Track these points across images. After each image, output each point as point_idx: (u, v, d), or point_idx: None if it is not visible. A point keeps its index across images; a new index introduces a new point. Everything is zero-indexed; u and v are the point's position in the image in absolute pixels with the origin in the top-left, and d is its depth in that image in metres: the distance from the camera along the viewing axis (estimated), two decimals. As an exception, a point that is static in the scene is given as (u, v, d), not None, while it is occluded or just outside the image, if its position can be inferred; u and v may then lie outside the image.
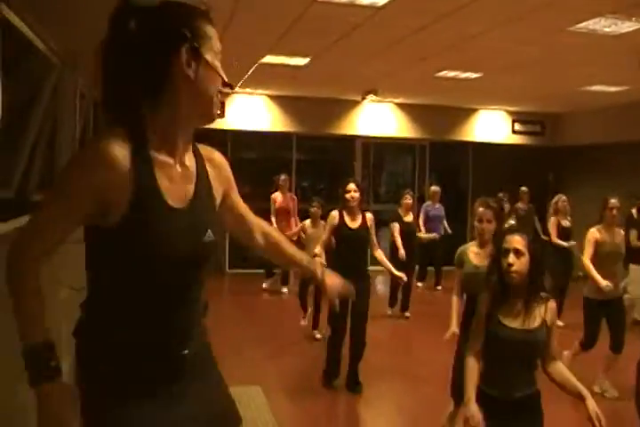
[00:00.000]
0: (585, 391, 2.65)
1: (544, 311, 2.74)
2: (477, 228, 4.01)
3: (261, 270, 9.89)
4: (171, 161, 1.65)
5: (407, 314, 8.29)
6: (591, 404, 2.57)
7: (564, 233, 7.68)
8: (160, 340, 1.64)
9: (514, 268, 2.71)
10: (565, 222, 7.76)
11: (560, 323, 7.30)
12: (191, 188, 1.69)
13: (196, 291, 1.74)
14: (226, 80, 1.71)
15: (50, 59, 4.33)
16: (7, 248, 1.55)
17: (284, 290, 9.64)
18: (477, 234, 4.04)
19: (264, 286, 9.77)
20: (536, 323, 2.72)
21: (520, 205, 10.04)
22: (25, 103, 4.40)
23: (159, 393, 1.65)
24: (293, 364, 6.09)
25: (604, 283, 4.99)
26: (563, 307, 6.88)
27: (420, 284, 10.20)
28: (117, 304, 1.63)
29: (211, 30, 1.69)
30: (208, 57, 1.64)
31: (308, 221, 7.12)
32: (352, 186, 5.33)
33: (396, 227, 8.07)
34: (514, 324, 2.73)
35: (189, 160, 1.72)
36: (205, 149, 1.84)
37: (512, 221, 8.25)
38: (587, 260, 5.24)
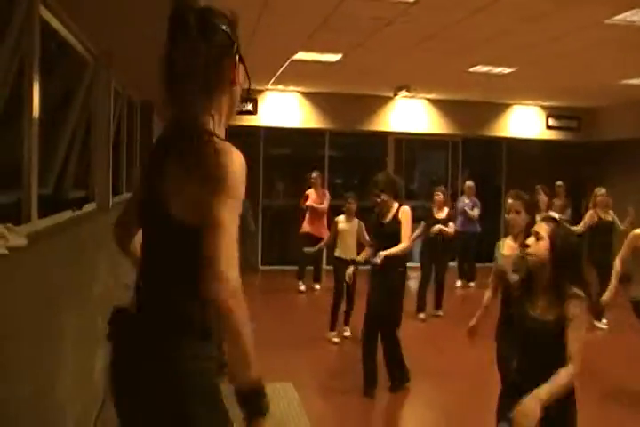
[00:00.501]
0: (538, 393, 2.49)
1: (566, 306, 2.65)
2: (507, 219, 4.05)
3: (295, 267, 9.93)
4: None
5: (440, 313, 8.22)
6: (523, 405, 2.45)
7: (603, 227, 7.57)
8: None
9: (529, 249, 2.78)
10: (606, 216, 7.65)
11: (602, 326, 7.23)
12: None
13: None
14: (250, 84, 1.87)
15: (85, 58, 4.39)
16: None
17: (317, 286, 9.68)
18: (509, 226, 4.05)
19: (301, 288, 9.59)
20: (554, 316, 2.67)
21: (556, 200, 9.90)
22: (61, 102, 4.48)
23: None
24: (325, 361, 6.11)
25: (606, 297, 4.93)
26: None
27: (459, 282, 10.16)
28: None
29: (240, 37, 1.84)
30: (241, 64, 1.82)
31: (341, 217, 7.09)
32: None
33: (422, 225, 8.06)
34: (534, 311, 2.74)
35: None
36: None
37: (553, 213, 8.07)
38: (618, 260, 5.13)
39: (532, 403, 2.44)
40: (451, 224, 8.10)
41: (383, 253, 5.02)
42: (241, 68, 1.83)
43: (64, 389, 3.09)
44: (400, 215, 5.26)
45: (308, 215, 9.30)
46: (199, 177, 1.62)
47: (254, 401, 1.60)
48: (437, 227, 7.88)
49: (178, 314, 1.70)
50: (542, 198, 8.22)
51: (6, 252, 2.15)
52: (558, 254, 2.71)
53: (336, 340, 6.75)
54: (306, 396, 4.90)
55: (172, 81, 1.75)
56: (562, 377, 2.53)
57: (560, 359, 2.60)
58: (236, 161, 1.65)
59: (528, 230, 3.57)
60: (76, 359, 3.37)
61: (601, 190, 7.70)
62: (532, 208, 4.11)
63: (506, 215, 4.05)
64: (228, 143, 1.68)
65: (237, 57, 1.81)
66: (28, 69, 2.90)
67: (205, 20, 1.74)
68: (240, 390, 1.59)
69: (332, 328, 6.82)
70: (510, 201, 4.00)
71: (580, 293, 2.68)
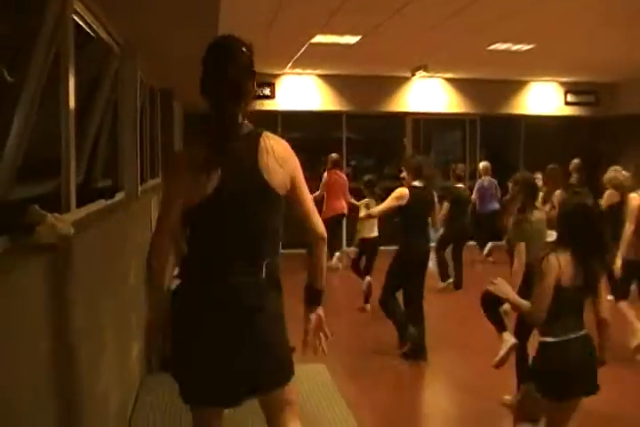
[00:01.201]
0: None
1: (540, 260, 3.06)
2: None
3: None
4: None
5: (460, 291, 8.34)
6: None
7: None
8: None
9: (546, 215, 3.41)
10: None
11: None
12: None
13: None
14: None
15: (112, 47, 4.41)
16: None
17: (339, 265, 9.69)
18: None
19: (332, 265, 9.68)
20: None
21: (572, 178, 9.85)
22: (89, 90, 4.51)
23: None
24: (353, 342, 6.17)
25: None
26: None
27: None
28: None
29: None
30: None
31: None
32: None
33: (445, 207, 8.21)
34: None
35: None
36: None
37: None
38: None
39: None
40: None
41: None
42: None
43: (107, 378, 3.17)
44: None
45: (326, 195, 9.40)
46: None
47: (319, 297, 2.54)
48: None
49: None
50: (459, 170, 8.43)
51: (56, 241, 2.21)
52: (563, 220, 3.10)
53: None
54: (337, 378, 4.93)
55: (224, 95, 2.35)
56: (524, 302, 3.06)
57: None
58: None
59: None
60: (115, 349, 3.45)
61: (616, 169, 7.57)
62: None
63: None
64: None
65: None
66: (63, 61, 2.94)
67: (242, 48, 2.38)
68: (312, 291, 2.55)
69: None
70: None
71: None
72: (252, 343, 2.30)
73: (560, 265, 2.92)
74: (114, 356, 3.41)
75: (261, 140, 2.37)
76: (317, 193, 9.16)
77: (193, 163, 2.29)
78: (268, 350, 2.34)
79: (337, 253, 9.73)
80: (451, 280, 8.41)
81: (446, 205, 8.23)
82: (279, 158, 2.38)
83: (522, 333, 4.34)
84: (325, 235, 2.51)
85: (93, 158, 4.55)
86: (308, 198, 2.50)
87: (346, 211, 9.43)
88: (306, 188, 2.49)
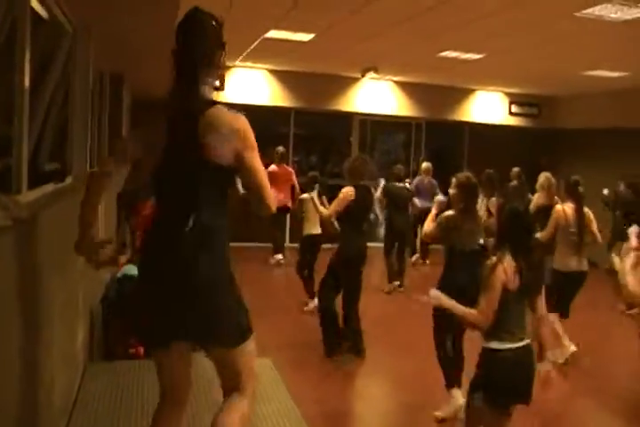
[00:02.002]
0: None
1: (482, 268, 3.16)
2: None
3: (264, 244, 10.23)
4: None
5: (401, 289, 8.60)
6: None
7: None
8: None
9: (485, 223, 3.47)
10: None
11: None
12: None
13: None
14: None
15: (63, 26, 4.31)
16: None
17: (279, 257, 9.87)
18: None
19: (275, 259, 9.95)
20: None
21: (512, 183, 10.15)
22: (38, 70, 4.41)
23: None
24: (294, 335, 6.23)
25: None
26: None
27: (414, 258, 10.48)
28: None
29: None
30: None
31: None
32: None
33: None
34: None
35: None
36: None
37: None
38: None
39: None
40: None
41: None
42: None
43: (54, 362, 3.13)
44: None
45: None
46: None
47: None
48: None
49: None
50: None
51: (10, 223, 2.17)
52: (504, 228, 3.20)
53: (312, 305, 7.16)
54: (282, 372, 4.97)
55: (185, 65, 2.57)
56: (469, 311, 3.12)
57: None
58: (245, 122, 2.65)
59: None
60: (62, 332, 3.40)
61: (545, 175, 7.84)
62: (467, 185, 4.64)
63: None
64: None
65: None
66: (19, 38, 2.88)
67: (209, 20, 2.57)
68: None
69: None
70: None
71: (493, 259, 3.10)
72: (177, 305, 2.47)
73: (506, 271, 3.02)
74: (61, 339, 3.37)
75: (211, 113, 2.50)
76: None
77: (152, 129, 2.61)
78: (193, 316, 2.46)
79: (278, 256, 9.90)
80: (397, 283, 8.61)
81: (384, 202, 8.45)
82: (226, 132, 2.48)
83: (443, 332, 4.56)
84: (274, 209, 2.60)
85: (40, 141, 4.45)
86: (259, 171, 2.55)
87: (290, 204, 9.51)
88: (257, 161, 2.54)
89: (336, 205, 5.60)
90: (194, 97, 2.52)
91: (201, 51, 2.52)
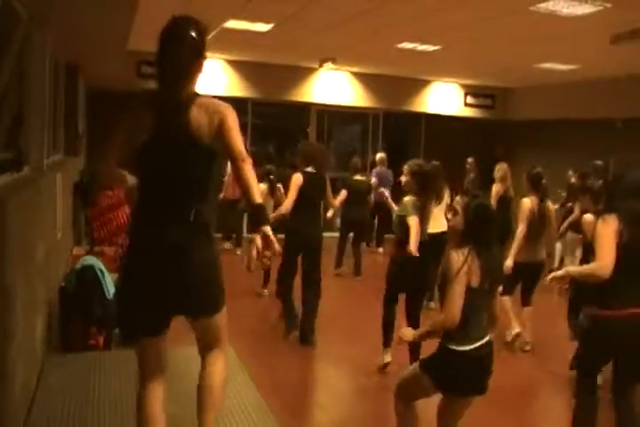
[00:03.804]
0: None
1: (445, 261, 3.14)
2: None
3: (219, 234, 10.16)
4: None
5: (358, 278, 8.82)
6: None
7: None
8: None
9: (449, 222, 3.31)
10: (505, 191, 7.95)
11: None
12: None
13: None
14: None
15: (19, 12, 4.24)
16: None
17: (238, 252, 9.90)
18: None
19: (224, 246, 10.09)
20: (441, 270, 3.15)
21: (467, 176, 10.35)
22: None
23: None
24: (249, 322, 6.30)
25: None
26: None
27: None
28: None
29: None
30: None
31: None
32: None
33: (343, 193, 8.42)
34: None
35: None
36: None
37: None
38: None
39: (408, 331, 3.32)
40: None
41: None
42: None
43: (12, 357, 3.11)
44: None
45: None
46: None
47: (261, 214, 2.61)
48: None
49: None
50: None
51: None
52: (469, 225, 3.13)
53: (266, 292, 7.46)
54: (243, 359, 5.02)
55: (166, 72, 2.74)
56: (433, 323, 3.12)
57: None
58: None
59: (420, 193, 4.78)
60: (20, 324, 3.37)
61: (502, 166, 8.00)
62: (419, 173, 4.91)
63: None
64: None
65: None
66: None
67: (191, 28, 2.71)
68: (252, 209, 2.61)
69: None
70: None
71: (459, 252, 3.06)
72: (175, 284, 2.66)
73: (471, 268, 3.01)
74: (20, 334, 3.34)
75: (197, 100, 2.70)
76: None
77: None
78: (189, 292, 2.70)
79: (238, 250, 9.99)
80: (342, 268, 8.91)
81: (344, 192, 8.43)
82: (209, 111, 2.68)
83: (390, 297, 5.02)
84: (249, 159, 2.68)
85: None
86: (238, 143, 2.68)
87: None
88: (237, 134, 2.68)
89: (290, 196, 5.63)
90: (180, 94, 2.70)
91: (179, 62, 2.68)
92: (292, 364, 5.44)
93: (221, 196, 9.73)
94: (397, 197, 5.20)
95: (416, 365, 3.26)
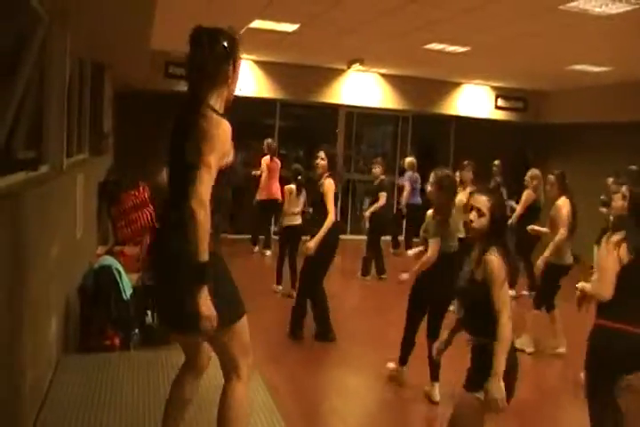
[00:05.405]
0: (494, 372, 2.81)
1: (477, 265, 2.98)
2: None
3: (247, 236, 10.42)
4: None
5: (384, 276, 8.75)
6: (491, 389, 2.79)
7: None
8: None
9: (472, 224, 3.03)
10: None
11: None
12: None
13: None
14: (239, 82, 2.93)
15: (38, 12, 4.24)
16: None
17: (268, 253, 9.96)
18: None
19: (255, 249, 10.19)
20: (479, 276, 2.94)
21: (493, 180, 10.16)
22: (11, 58, 4.33)
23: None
24: (273, 326, 6.22)
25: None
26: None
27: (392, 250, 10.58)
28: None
29: (241, 51, 2.83)
30: (237, 67, 2.82)
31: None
32: (321, 153, 5.89)
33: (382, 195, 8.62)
34: (466, 272, 3.05)
35: None
36: None
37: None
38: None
39: (495, 384, 2.78)
40: (382, 193, 8.67)
41: (311, 243, 5.61)
42: (239, 66, 2.81)
43: (25, 353, 3.09)
44: (322, 188, 5.71)
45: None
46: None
47: (198, 270, 2.48)
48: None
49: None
50: (467, 174, 8.41)
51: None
52: (495, 226, 3.02)
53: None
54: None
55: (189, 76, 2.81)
56: (501, 338, 2.82)
57: (481, 315, 2.93)
58: (220, 127, 2.66)
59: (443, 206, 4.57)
60: (35, 323, 3.35)
61: (534, 172, 7.88)
62: (447, 186, 4.66)
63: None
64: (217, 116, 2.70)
65: (234, 64, 2.78)
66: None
67: (212, 37, 2.71)
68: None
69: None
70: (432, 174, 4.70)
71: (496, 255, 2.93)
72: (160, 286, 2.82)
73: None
74: (34, 330, 3.32)
75: (197, 120, 2.65)
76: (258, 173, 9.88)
77: None
78: (164, 296, 2.79)
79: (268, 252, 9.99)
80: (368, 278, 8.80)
81: (384, 194, 8.50)
82: (198, 131, 2.62)
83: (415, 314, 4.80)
84: (194, 206, 2.50)
85: (15, 129, 4.38)
86: (205, 168, 2.56)
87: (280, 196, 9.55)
88: (207, 159, 2.56)
89: (332, 203, 5.69)
90: (192, 106, 2.71)
91: (201, 68, 2.72)
92: (310, 369, 5.32)
93: (257, 198, 9.83)
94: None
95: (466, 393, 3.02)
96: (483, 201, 3.00)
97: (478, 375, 2.89)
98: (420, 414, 4.61)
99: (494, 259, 2.89)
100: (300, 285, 6.03)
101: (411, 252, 5.09)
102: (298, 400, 4.56)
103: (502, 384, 2.79)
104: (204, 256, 2.46)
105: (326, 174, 5.79)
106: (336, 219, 5.84)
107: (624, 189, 3.80)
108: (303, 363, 5.39)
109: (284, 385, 4.79)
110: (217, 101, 2.78)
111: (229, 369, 2.84)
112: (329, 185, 5.70)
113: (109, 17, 4.82)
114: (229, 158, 2.70)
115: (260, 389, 4.38)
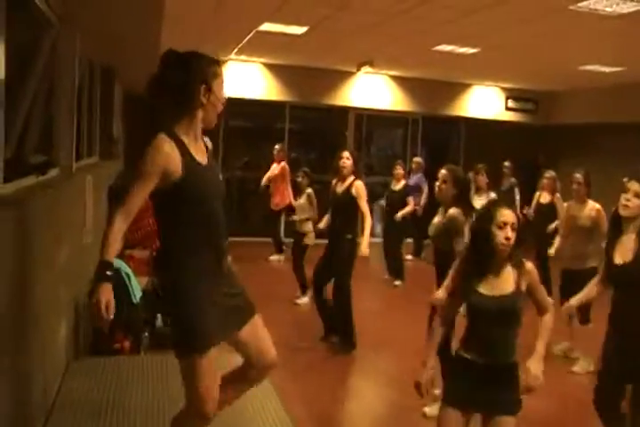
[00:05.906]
0: (538, 352, 2.84)
1: (518, 275, 2.80)
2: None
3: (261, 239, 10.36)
4: (193, 142, 2.69)
5: (396, 282, 8.60)
6: (533, 367, 2.80)
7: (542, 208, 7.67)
8: (212, 257, 2.70)
9: (511, 241, 2.75)
10: (544, 198, 7.65)
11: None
12: (204, 155, 2.78)
13: (223, 216, 2.76)
14: (223, 103, 2.75)
15: (48, 17, 4.25)
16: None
17: (281, 257, 9.86)
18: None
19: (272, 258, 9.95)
20: (510, 288, 2.78)
21: (505, 181, 10.11)
22: (22, 62, 4.35)
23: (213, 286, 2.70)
24: (287, 334, 6.17)
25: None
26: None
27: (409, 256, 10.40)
28: (184, 237, 2.65)
29: (219, 70, 2.71)
30: (215, 90, 2.68)
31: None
32: (345, 153, 5.69)
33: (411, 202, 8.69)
34: (489, 291, 2.78)
35: (201, 144, 2.78)
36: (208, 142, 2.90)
37: (493, 194, 8.28)
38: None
39: (539, 362, 2.81)
40: (409, 198, 8.67)
41: (364, 248, 5.50)
42: (218, 89, 2.68)
43: (33, 357, 3.09)
44: (353, 190, 5.53)
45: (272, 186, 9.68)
46: None
47: (101, 270, 2.47)
48: (400, 215, 8.52)
49: None
50: (481, 178, 8.37)
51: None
52: (519, 238, 2.80)
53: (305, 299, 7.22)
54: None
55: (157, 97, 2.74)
56: (547, 325, 2.91)
57: (512, 333, 2.83)
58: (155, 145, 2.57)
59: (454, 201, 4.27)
60: (44, 327, 3.36)
61: (549, 173, 7.75)
62: (459, 182, 4.38)
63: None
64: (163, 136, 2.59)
65: (205, 87, 2.63)
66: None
67: (181, 60, 2.63)
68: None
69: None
70: (441, 171, 4.41)
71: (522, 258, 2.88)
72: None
73: None
74: (43, 334, 3.32)
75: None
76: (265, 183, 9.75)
77: None
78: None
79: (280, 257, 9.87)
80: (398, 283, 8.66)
81: (411, 199, 8.68)
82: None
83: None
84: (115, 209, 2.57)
85: (25, 133, 4.40)
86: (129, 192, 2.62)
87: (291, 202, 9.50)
88: (133, 183, 2.60)
89: (366, 204, 5.59)
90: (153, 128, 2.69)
91: (167, 90, 2.68)
92: (319, 373, 5.26)
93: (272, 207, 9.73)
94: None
95: None
96: (512, 215, 2.79)
97: (513, 395, 2.80)
98: (433, 420, 4.54)
99: (529, 263, 2.88)
100: (338, 292, 5.72)
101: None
102: (308, 404, 4.53)
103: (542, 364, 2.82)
104: (106, 257, 2.46)
105: (352, 177, 5.59)
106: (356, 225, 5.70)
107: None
108: (312, 367, 5.35)
109: (294, 389, 4.75)
110: (184, 124, 2.67)
111: (186, 396, 2.72)
112: (361, 187, 5.53)
113: (118, 21, 4.83)
114: (178, 174, 2.56)
115: (270, 393, 4.35)
